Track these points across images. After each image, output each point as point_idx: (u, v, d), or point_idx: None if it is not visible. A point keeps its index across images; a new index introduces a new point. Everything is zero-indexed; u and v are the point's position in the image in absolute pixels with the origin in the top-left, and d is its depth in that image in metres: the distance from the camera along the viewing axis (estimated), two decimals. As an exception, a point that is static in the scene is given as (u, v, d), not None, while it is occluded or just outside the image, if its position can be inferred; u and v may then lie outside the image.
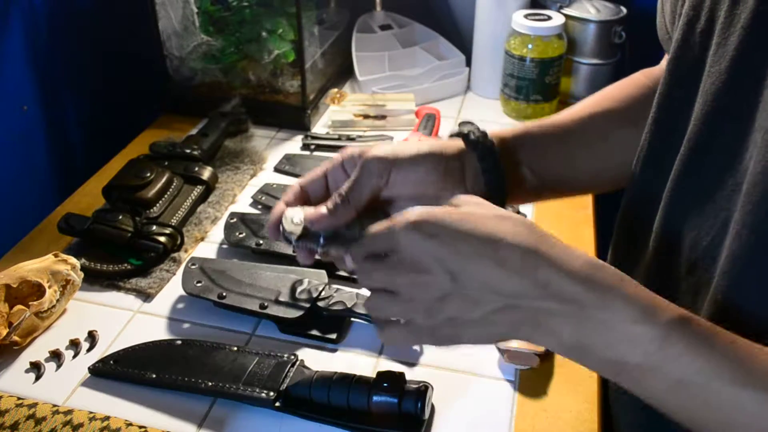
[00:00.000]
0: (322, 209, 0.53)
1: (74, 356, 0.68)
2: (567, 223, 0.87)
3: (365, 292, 0.74)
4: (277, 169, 0.98)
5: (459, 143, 0.59)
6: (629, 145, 0.62)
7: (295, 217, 0.54)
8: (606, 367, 0.44)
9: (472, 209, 0.47)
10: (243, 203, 0.92)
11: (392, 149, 0.55)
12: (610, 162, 0.65)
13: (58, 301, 0.70)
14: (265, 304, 0.70)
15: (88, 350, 0.69)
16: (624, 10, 1.13)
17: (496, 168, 0.58)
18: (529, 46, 1.06)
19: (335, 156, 0.57)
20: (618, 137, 0.65)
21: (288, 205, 0.56)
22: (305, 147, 1.03)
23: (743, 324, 0.47)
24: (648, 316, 0.42)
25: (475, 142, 0.58)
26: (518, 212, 0.86)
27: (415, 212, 0.45)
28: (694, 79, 0.52)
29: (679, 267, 0.55)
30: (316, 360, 0.67)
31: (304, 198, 0.57)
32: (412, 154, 0.55)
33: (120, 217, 0.80)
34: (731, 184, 0.49)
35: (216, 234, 0.85)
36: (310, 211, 0.54)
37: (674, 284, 0.55)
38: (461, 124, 0.60)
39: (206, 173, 0.91)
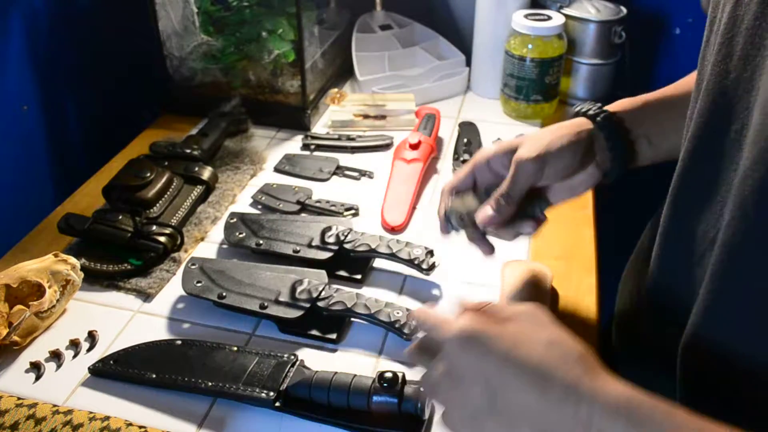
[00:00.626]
0: (489, 211, 0.64)
1: (74, 356, 0.68)
2: (567, 223, 0.87)
3: (365, 292, 0.74)
4: (277, 169, 0.98)
5: (587, 124, 0.65)
6: None
7: (461, 215, 0.67)
8: None
9: (525, 328, 0.47)
10: (243, 203, 0.92)
11: (540, 147, 0.63)
12: None
13: (58, 301, 0.70)
14: (265, 304, 0.70)
15: (88, 350, 0.69)
16: (624, 10, 1.13)
17: (621, 144, 0.65)
18: (529, 46, 1.06)
19: (480, 155, 0.66)
20: None
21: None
22: (305, 147, 1.03)
23: (730, 316, 0.47)
24: None
25: (603, 123, 0.65)
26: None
27: (466, 323, 0.47)
28: (703, 75, 0.54)
29: (688, 260, 0.56)
30: (316, 360, 0.67)
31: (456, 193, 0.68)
32: (558, 148, 0.63)
33: (120, 217, 0.80)
34: (733, 179, 0.49)
35: (216, 234, 0.85)
36: (479, 213, 0.65)
37: (684, 277, 0.56)
38: (583, 105, 0.68)
39: (206, 173, 0.91)
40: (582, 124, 0.66)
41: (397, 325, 0.68)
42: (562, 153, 0.63)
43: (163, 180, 0.87)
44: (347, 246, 0.78)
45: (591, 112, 0.66)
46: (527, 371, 0.44)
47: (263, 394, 0.61)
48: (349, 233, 0.79)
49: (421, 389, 0.53)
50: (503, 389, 0.44)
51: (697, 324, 0.52)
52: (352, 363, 0.68)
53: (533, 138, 0.65)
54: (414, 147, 0.96)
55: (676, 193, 0.57)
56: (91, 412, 0.60)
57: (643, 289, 0.64)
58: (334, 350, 0.69)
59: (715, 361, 0.51)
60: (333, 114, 1.10)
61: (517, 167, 0.63)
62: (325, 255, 0.77)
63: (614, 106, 0.68)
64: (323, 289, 0.72)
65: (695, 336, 0.52)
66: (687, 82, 0.69)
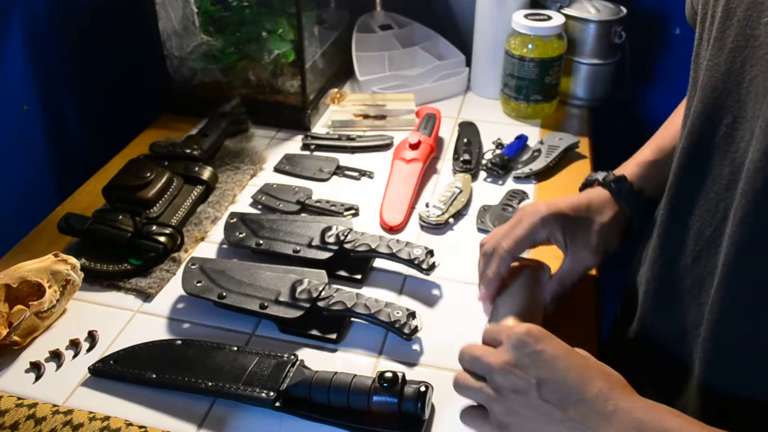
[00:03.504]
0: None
1: (74, 356, 0.68)
2: (567, 223, 0.87)
3: (365, 292, 0.74)
4: (277, 169, 0.98)
5: (609, 195, 0.71)
6: None
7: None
8: None
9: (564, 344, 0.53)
10: (243, 203, 0.92)
11: (598, 247, 0.69)
12: None
13: (58, 301, 0.70)
14: (265, 304, 0.70)
15: (88, 350, 0.69)
16: (624, 10, 1.13)
17: (641, 210, 0.71)
18: (529, 46, 1.06)
19: (534, 220, 0.68)
20: None
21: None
22: (305, 147, 1.03)
23: (751, 311, 0.47)
24: None
25: (627, 198, 0.71)
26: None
27: (526, 326, 0.53)
28: (697, 74, 0.54)
29: (686, 258, 0.56)
30: (316, 360, 0.67)
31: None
32: (610, 241, 0.70)
33: (120, 217, 0.80)
34: (728, 173, 0.50)
35: (216, 234, 0.85)
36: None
37: (681, 276, 0.56)
38: (610, 180, 0.73)
39: (206, 173, 0.91)
40: (607, 199, 0.71)
41: (397, 325, 0.68)
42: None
43: (163, 180, 0.87)
44: (347, 246, 0.78)
45: (614, 187, 0.71)
46: (570, 365, 0.50)
47: (263, 394, 0.61)
48: (349, 233, 0.79)
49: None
50: (549, 376, 0.50)
51: (713, 326, 0.51)
52: (352, 363, 0.68)
53: (592, 238, 0.70)
54: (414, 147, 0.96)
55: (673, 192, 0.57)
56: (91, 412, 0.60)
57: (646, 289, 0.64)
58: (334, 350, 0.69)
59: (736, 360, 0.51)
60: (333, 114, 1.10)
61: (576, 269, 0.69)
62: (325, 255, 0.77)
63: (627, 173, 0.72)
64: (323, 289, 0.72)
65: (713, 336, 0.52)
66: (678, 126, 0.70)
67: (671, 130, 0.73)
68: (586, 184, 0.75)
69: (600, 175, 0.73)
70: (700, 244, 0.54)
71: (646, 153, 0.74)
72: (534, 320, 0.63)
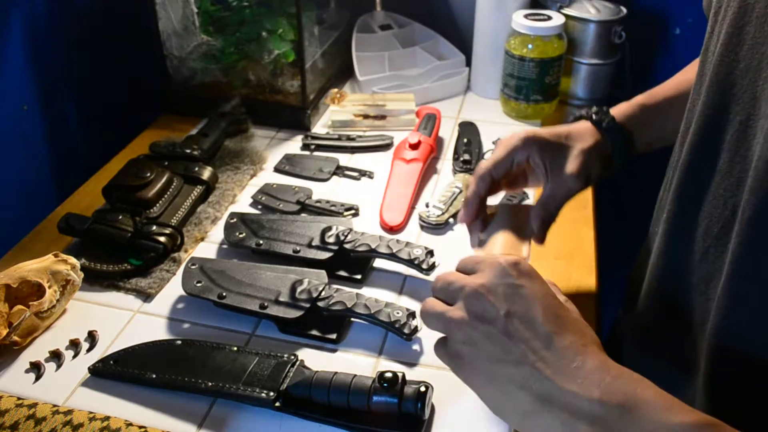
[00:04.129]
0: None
1: (74, 356, 0.68)
2: (567, 223, 0.87)
3: (365, 292, 0.74)
4: (277, 169, 0.98)
5: (589, 127, 0.70)
6: None
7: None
8: None
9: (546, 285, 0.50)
10: (243, 203, 0.92)
11: (580, 166, 0.67)
12: None
13: (58, 301, 0.70)
14: (265, 304, 0.70)
15: (88, 350, 0.69)
16: (624, 10, 1.13)
17: (624, 147, 0.70)
18: (529, 46, 1.06)
19: (513, 141, 0.68)
20: None
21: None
22: (305, 147, 1.03)
23: (758, 309, 0.47)
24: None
25: (609, 129, 0.70)
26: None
27: (509, 258, 0.50)
28: (706, 67, 0.54)
29: (693, 255, 0.55)
30: (316, 360, 0.67)
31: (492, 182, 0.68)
32: (593, 163, 0.68)
33: (120, 217, 0.80)
34: (738, 170, 0.49)
35: (216, 234, 0.85)
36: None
37: (688, 273, 0.56)
38: (592, 111, 0.72)
39: (206, 173, 0.91)
40: (591, 130, 0.70)
41: (397, 325, 0.68)
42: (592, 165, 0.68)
43: (163, 180, 0.87)
44: (347, 246, 0.78)
45: (596, 118, 0.70)
46: (551, 309, 0.47)
47: (263, 394, 0.61)
48: (349, 233, 0.79)
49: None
50: (522, 311, 0.46)
51: (719, 322, 0.51)
52: (352, 363, 0.68)
53: (575, 154, 0.68)
54: (414, 147, 0.96)
55: (681, 188, 0.56)
56: (91, 412, 0.60)
57: (651, 286, 0.64)
58: (334, 350, 0.69)
59: (742, 357, 0.50)
60: (333, 114, 1.10)
61: (558, 182, 0.67)
62: (325, 255, 0.77)
63: (615, 111, 0.71)
64: (323, 289, 0.72)
65: (719, 333, 0.52)
66: (679, 81, 0.71)
67: (670, 84, 0.73)
68: (571, 122, 0.75)
69: (584, 110, 0.73)
70: (708, 240, 0.53)
71: (639, 97, 0.74)
72: (519, 251, 0.64)
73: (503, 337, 0.46)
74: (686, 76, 0.72)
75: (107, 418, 0.59)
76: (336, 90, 1.14)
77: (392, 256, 0.76)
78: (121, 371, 0.65)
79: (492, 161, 0.68)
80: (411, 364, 0.67)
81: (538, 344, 0.45)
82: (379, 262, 0.80)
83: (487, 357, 0.46)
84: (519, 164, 0.68)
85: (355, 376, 0.61)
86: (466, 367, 0.48)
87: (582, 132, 0.69)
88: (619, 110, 0.72)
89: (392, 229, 0.86)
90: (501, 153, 0.68)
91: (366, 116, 1.09)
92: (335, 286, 0.73)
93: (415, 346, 0.69)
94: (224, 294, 0.71)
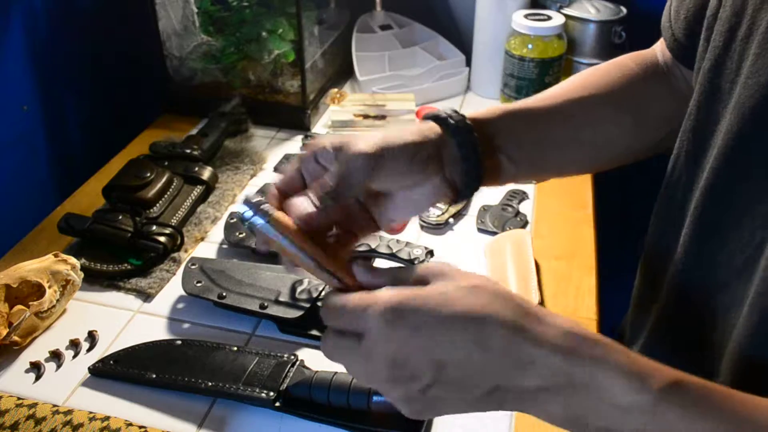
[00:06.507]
0: (311, 208, 0.50)
1: (74, 356, 0.68)
2: (567, 223, 0.87)
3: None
4: (277, 169, 0.98)
5: (437, 128, 0.54)
6: (610, 132, 0.61)
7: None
8: None
9: (444, 287, 0.43)
10: (243, 203, 0.91)
11: (375, 143, 0.51)
12: (587, 148, 0.62)
13: (58, 301, 0.70)
14: (265, 304, 0.70)
15: (88, 350, 0.69)
16: (624, 10, 1.13)
17: (474, 154, 0.54)
18: (529, 46, 1.06)
19: (306, 150, 0.53)
20: (600, 124, 0.62)
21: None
22: (305, 147, 1.03)
23: None
24: (637, 386, 0.40)
25: (455, 127, 0.54)
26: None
27: (387, 300, 0.42)
28: (730, 89, 0.50)
29: (710, 285, 0.53)
30: (316, 360, 0.67)
31: (284, 198, 0.53)
32: (396, 146, 0.51)
33: (120, 217, 0.80)
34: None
35: (216, 234, 0.85)
36: (294, 205, 0.51)
37: (704, 303, 0.54)
38: (438, 111, 0.56)
39: (206, 173, 0.91)
40: (432, 128, 0.54)
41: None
42: (399, 153, 0.51)
43: (163, 180, 0.87)
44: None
45: (443, 114, 0.55)
46: (464, 326, 0.41)
47: (263, 394, 0.61)
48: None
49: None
50: (448, 354, 0.41)
51: (742, 343, 0.49)
52: (352, 363, 0.68)
53: (370, 134, 0.54)
54: (414, 147, 0.96)
55: (701, 214, 0.53)
56: (91, 412, 0.60)
57: (665, 309, 0.61)
58: (334, 350, 0.69)
59: (762, 376, 0.48)
60: (333, 114, 1.10)
61: (346, 162, 0.50)
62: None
63: (474, 114, 0.57)
64: (323, 289, 0.72)
65: (740, 354, 0.50)
66: (554, 94, 0.62)
67: (544, 96, 0.62)
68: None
69: (438, 111, 0.57)
70: (728, 274, 0.51)
71: (504, 105, 0.61)
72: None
73: (451, 385, 0.43)
74: (562, 91, 0.63)
75: (107, 418, 0.59)
76: (336, 90, 1.14)
77: (392, 256, 0.76)
78: (121, 371, 0.65)
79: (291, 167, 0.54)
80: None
81: (477, 364, 0.41)
82: (379, 262, 0.80)
83: (455, 402, 0.44)
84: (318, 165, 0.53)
85: (355, 376, 0.61)
86: (434, 412, 0.46)
87: (415, 128, 0.55)
88: (477, 112, 0.59)
89: (392, 230, 0.86)
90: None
91: (366, 116, 1.09)
92: (335, 286, 0.73)
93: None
94: (224, 294, 0.71)
